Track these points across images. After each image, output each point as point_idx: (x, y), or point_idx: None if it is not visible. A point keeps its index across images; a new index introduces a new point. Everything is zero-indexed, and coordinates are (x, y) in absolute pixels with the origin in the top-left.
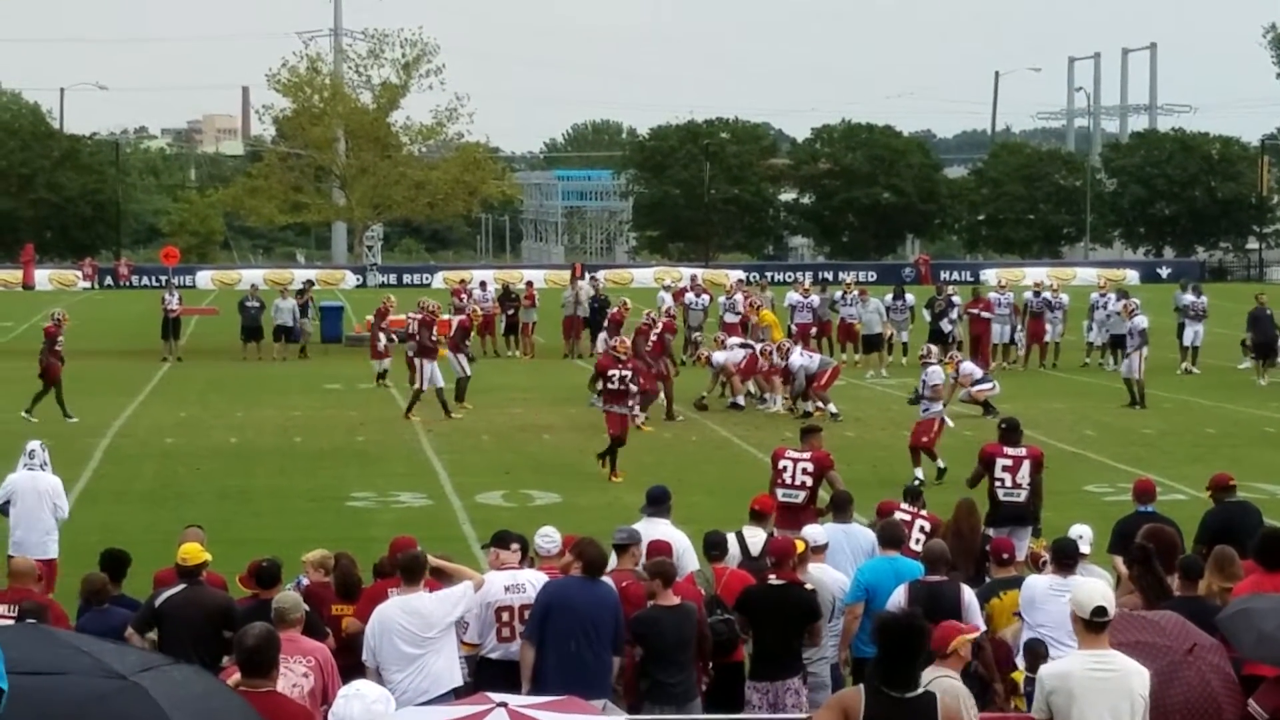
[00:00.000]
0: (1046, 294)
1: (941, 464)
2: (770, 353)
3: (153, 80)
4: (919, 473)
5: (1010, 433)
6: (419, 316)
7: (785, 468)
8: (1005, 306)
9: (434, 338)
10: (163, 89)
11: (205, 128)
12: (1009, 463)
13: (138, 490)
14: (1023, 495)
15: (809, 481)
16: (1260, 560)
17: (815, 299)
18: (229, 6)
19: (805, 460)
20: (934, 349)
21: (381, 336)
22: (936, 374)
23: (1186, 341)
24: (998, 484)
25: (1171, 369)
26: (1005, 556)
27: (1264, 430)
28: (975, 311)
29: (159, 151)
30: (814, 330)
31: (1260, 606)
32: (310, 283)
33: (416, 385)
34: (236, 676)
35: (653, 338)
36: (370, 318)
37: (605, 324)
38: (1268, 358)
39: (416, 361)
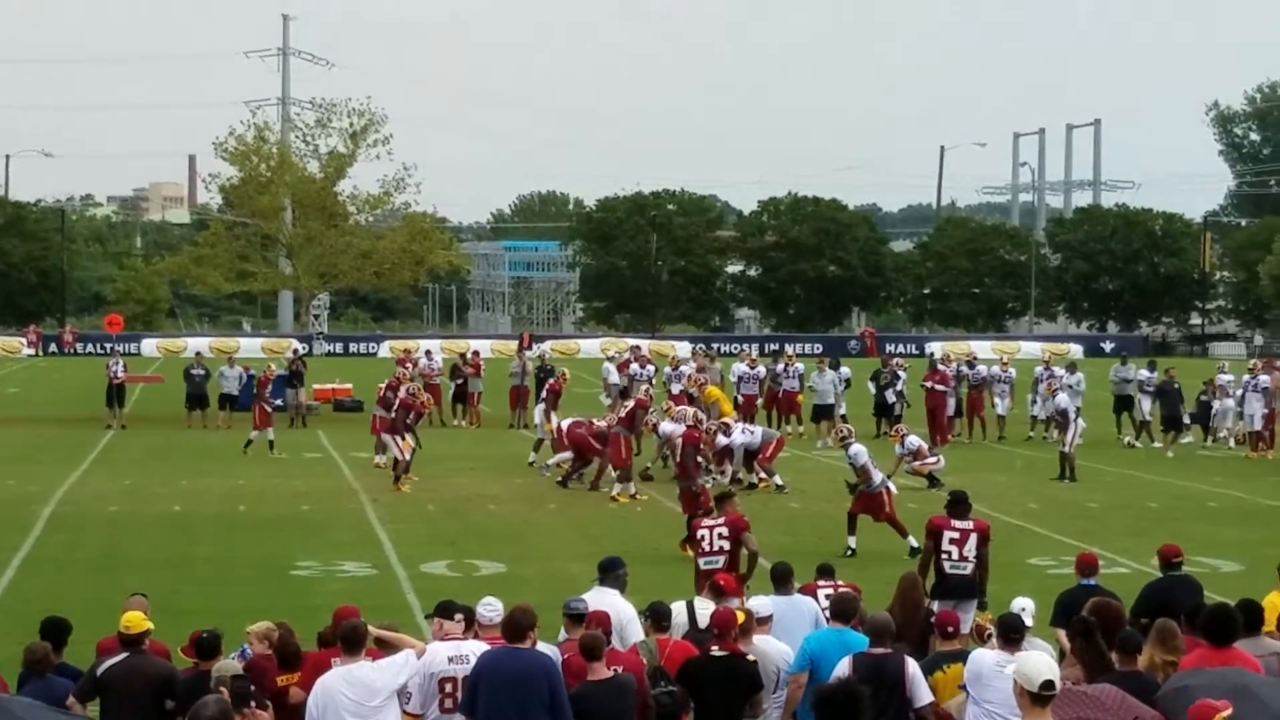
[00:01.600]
0: (983, 367)
1: (914, 543)
2: (714, 432)
3: (99, 148)
4: (852, 541)
5: (957, 505)
6: (401, 398)
7: (703, 536)
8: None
9: (408, 420)
10: (109, 157)
11: (152, 196)
12: (956, 535)
13: (81, 559)
14: (969, 568)
15: (726, 545)
16: (1207, 636)
17: (762, 370)
18: (176, 75)
19: (720, 525)
20: (849, 429)
21: (267, 407)
22: (859, 454)
23: (1147, 414)
24: (944, 556)
25: (1113, 443)
26: (950, 630)
27: (1206, 505)
28: (929, 385)
29: (105, 219)
30: (760, 401)
31: (1199, 683)
32: (297, 351)
33: (399, 457)
34: None
35: (621, 412)
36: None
37: (544, 394)
38: (1175, 430)
39: (387, 438)
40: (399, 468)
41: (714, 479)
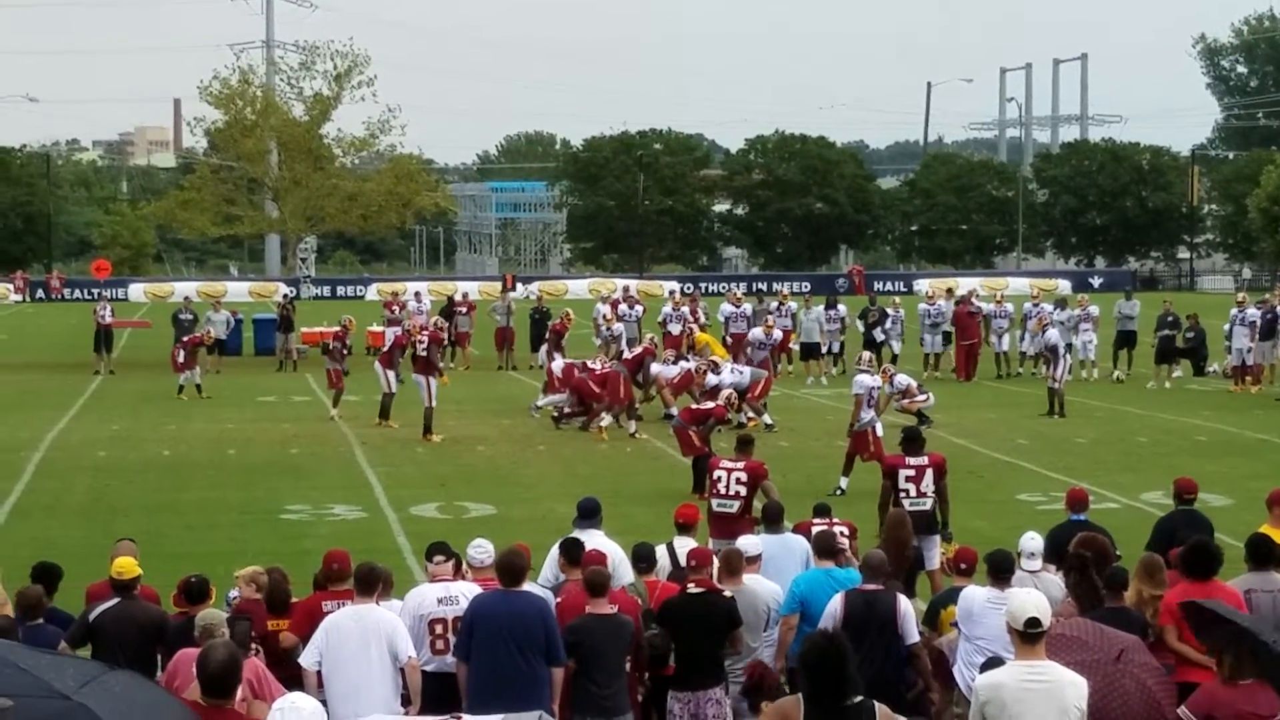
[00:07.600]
0: (979, 304)
1: (843, 485)
2: (704, 372)
3: (84, 92)
4: (844, 482)
5: (910, 443)
6: (430, 332)
7: (720, 478)
8: (936, 316)
9: (439, 355)
10: (94, 101)
11: (137, 140)
12: (911, 473)
13: (70, 504)
14: (928, 503)
15: (743, 491)
16: (1186, 571)
17: (748, 308)
18: (160, 18)
19: (739, 470)
20: (868, 355)
21: (181, 352)
22: (858, 383)
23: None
24: (903, 494)
25: (1104, 377)
26: (964, 566)
27: (1195, 439)
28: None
29: (90, 164)
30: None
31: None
32: (287, 295)
33: (426, 403)
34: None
35: (629, 354)
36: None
37: (547, 335)
38: (1170, 362)
39: (420, 380)
40: (429, 416)
41: (743, 420)
